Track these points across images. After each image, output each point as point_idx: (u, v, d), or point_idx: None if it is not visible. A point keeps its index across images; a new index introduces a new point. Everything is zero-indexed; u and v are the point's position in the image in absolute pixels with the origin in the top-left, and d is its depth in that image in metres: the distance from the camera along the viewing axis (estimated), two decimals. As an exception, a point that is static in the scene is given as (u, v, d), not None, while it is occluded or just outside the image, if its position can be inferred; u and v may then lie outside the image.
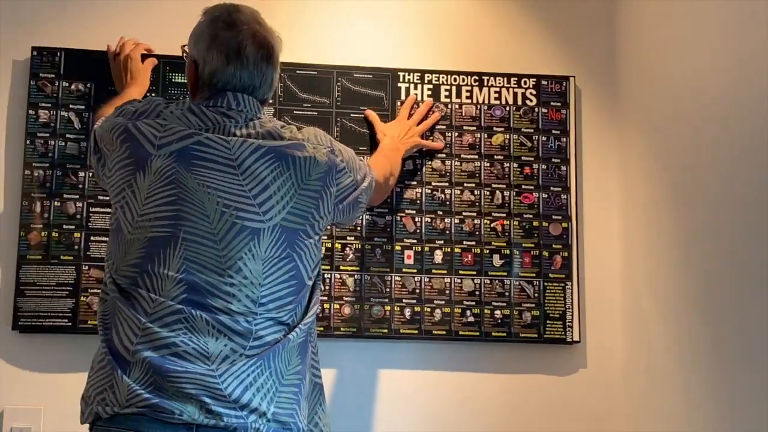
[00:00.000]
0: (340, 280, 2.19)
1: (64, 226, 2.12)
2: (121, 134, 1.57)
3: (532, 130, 2.30)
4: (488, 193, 2.26)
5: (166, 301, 1.48)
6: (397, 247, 2.22)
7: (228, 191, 1.52)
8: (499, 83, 2.31)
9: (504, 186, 2.27)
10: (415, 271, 2.22)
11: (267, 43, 1.63)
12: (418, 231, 2.23)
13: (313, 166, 1.59)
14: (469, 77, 2.30)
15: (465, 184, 2.26)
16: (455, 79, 2.30)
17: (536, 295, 2.24)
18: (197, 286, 1.49)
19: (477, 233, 2.25)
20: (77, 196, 2.14)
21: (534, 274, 2.25)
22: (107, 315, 1.53)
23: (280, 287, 1.55)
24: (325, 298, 2.18)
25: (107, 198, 2.05)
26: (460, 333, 2.21)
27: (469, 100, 2.29)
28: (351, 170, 1.69)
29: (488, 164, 2.27)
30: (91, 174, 2.12)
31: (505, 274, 2.24)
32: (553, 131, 2.30)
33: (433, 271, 2.22)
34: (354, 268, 2.20)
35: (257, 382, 1.48)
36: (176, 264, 1.49)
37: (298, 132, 1.63)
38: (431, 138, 2.26)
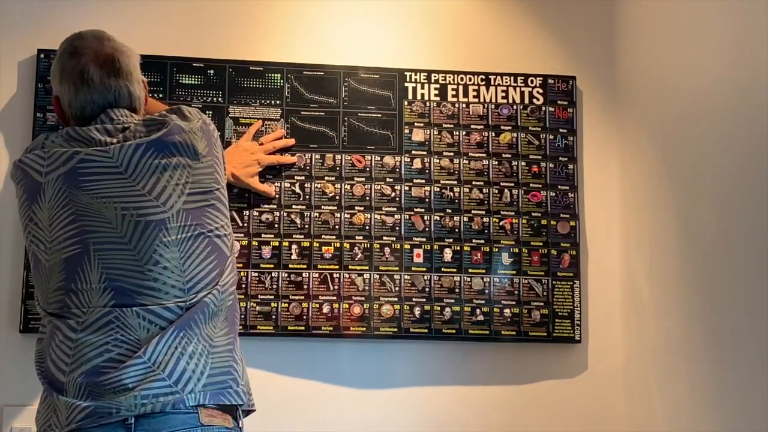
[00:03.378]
0: (349, 280, 2.19)
1: (73, 228, 2.12)
2: (16, 173, 1.61)
3: (539, 129, 2.30)
4: (497, 191, 2.27)
5: (96, 308, 1.50)
6: (406, 246, 2.22)
7: (122, 195, 1.53)
8: (506, 82, 2.31)
9: (512, 184, 2.27)
10: (424, 269, 2.22)
11: (109, 58, 1.62)
12: (427, 229, 2.23)
13: (196, 142, 1.58)
14: (475, 77, 2.31)
15: (473, 183, 2.26)
16: (462, 79, 2.30)
17: (545, 293, 2.24)
18: (123, 289, 1.50)
19: (486, 231, 2.25)
20: (85, 198, 2.13)
21: (542, 273, 2.25)
22: (42, 353, 1.55)
23: (202, 266, 1.55)
24: (335, 297, 2.18)
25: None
26: (470, 332, 2.21)
27: (476, 99, 2.30)
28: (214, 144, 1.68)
29: (496, 162, 2.28)
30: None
31: (514, 272, 2.24)
32: (560, 130, 2.31)
33: (443, 269, 2.22)
34: (363, 267, 2.20)
35: (187, 349, 1.49)
36: (96, 275, 1.51)
37: (168, 115, 1.62)
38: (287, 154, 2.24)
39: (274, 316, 2.16)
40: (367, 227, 2.22)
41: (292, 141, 2.22)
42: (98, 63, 1.61)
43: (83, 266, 1.51)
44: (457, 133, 2.28)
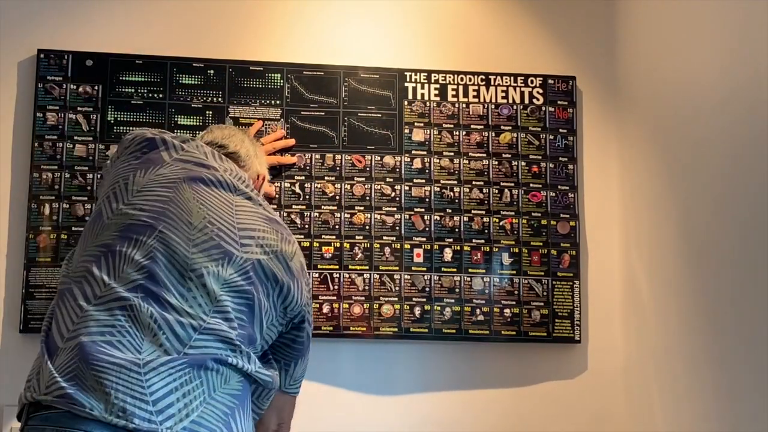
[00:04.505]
0: (350, 279, 2.19)
1: (73, 228, 2.12)
2: (142, 141, 1.66)
3: (539, 129, 2.30)
4: (497, 191, 2.27)
5: (116, 287, 1.47)
6: (407, 246, 2.22)
7: (218, 213, 1.58)
8: (506, 82, 2.31)
9: (512, 184, 2.28)
10: (424, 269, 2.22)
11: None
12: (427, 229, 2.23)
13: (294, 253, 1.67)
14: (475, 77, 2.31)
15: (474, 182, 2.26)
16: (462, 79, 2.30)
17: (545, 293, 2.24)
18: (157, 277, 1.49)
19: (486, 231, 2.25)
20: (86, 198, 2.13)
21: (542, 273, 2.25)
22: (52, 313, 1.53)
23: (232, 314, 1.52)
24: (335, 297, 2.18)
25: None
26: (470, 332, 2.21)
27: (476, 100, 2.30)
28: (312, 314, 1.79)
29: (496, 162, 2.28)
30: (99, 176, 2.11)
31: (514, 272, 2.24)
32: (560, 130, 2.31)
33: (443, 269, 2.22)
34: (363, 267, 2.20)
35: (184, 387, 1.43)
36: (145, 250, 1.51)
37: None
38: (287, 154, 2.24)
39: (274, 316, 2.16)
40: (367, 227, 2.22)
41: (292, 141, 2.22)
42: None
43: (141, 238, 1.52)
44: (457, 133, 2.28)
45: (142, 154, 1.64)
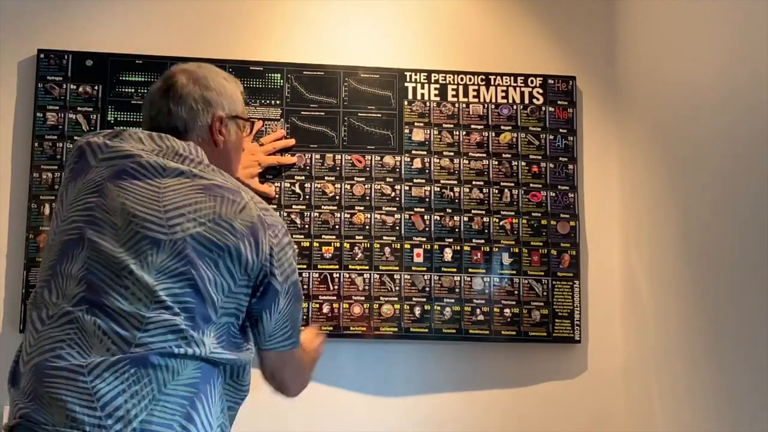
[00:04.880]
0: (350, 279, 2.19)
1: (73, 228, 2.12)
2: (75, 152, 1.60)
3: (539, 129, 2.30)
4: (497, 191, 2.27)
5: (63, 305, 1.48)
6: (407, 246, 2.22)
7: (142, 203, 1.52)
8: (506, 82, 2.31)
9: (512, 184, 2.28)
10: (424, 269, 2.22)
11: (169, 77, 1.66)
12: (427, 229, 2.23)
13: (241, 211, 1.54)
14: (475, 77, 2.31)
15: (474, 182, 2.26)
16: (462, 79, 2.30)
17: (545, 293, 2.25)
18: (94, 284, 1.47)
19: (486, 231, 2.25)
20: (85, 198, 2.14)
21: (542, 273, 2.25)
22: (22, 343, 1.54)
23: (173, 300, 1.48)
24: (335, 297, 2.18)
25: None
26: (470, 332, 2.21)
27: (476, 100, 2.30)
28: (287, 262, 1.59)
29: (496, 162, 2.28)
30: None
31: (514, 272, 2.24)
32: (560, 130, 2.31)
33: (443, 269, 2.22)
34: (363, 266, 2.20)
35: (132, 388, 1.41)
36: (81, 262, 1.50)
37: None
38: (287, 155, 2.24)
39: (274, 316, 2.16)
40: (367, 227, 2.22)
41: (292, 141, 2.23)
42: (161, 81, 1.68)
43: (75, 251, 1.50)
44: (457, 133, 2.28)
45: (75, 165, 1.59)
